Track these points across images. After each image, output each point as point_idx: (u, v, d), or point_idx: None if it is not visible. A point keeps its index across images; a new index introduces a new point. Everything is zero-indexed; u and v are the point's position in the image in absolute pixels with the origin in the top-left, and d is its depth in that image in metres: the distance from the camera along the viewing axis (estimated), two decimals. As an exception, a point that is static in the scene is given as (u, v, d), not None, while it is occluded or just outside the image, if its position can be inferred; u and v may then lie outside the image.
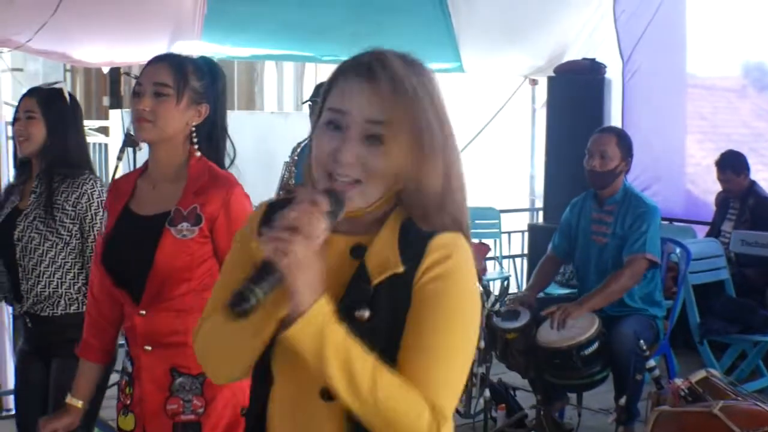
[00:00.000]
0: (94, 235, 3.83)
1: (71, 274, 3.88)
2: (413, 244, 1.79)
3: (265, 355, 1.85)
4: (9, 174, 7.06)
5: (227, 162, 3.05)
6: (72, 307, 3.89)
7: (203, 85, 2.93)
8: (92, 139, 11.90)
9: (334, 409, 1.77)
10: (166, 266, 2.82)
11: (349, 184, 1.78)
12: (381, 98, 1.78)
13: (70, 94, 4.02)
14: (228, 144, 3.06)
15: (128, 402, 2.94)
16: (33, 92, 3.97)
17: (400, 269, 1.77)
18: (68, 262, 3.87)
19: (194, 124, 2.92)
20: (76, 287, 3.90)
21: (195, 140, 2.93)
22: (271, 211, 1.91)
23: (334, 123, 1.80)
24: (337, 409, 1.75)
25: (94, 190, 3.83)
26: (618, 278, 5.21)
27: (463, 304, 1.79)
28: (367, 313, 1.75)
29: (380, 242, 1.82)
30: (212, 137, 2.98)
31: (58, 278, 3.86)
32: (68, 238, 3.84)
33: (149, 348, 2.88)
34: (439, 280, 1.77)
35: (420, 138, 1.79)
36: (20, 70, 12.43)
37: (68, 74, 13.88)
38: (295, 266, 1.64)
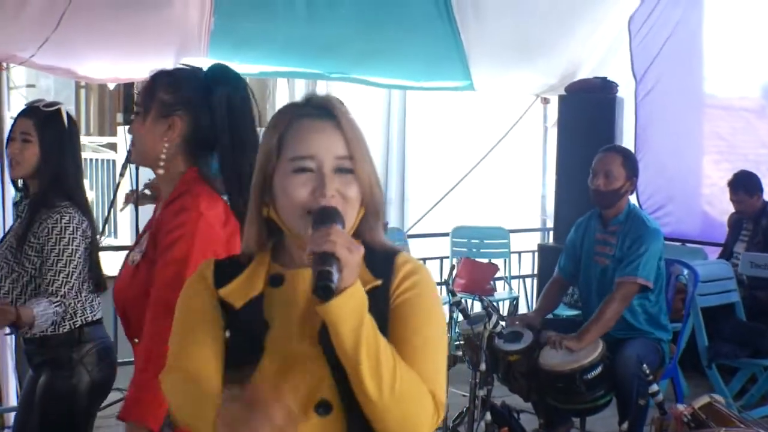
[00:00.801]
0: (47, 267, 3.66)
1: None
2: (379, 263, 2.00)
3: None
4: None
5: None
6: (49, 330, 3.74)
7: (176, 96, 2.79)
8: (101, 155, 11.94)
9: (331, 425, 1.89)
10: (120, 295, 2.76)
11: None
12: (343, 134, 1.99)
13: (69, 116, 3.88)
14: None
15: None
16: (30, 113, 3.83)
17: (378, 282, 1.96)
18: (37, 293, 3.73)
19: (169, 138, 2.79)
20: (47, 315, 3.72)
21: (190, 155, 2.81)
22: (219, 265, 2.09)
23: (302, 168, 1.97)
24: (334, 423, 1.89)
25: (57, 226, 3.67)
26: (609, 304, 5.13)
27: (436, 307, 2.01)
28: None
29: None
30: (206, 147, 2.81)
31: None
32: (33, 271, 3.72)
33: None
34: (416, 289, 1.98)
35: (371, 161, 2.03)
36: (32, 86, 12.50)
37: (82, 90, 13.92)
38: (348, 248, 1.81)
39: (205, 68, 2.91)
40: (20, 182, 3.95)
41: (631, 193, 5.45)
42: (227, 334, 2.01)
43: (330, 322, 1.80)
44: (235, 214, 2.76)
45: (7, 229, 3.96)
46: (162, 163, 2.81)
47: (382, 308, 1.94)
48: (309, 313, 1.93)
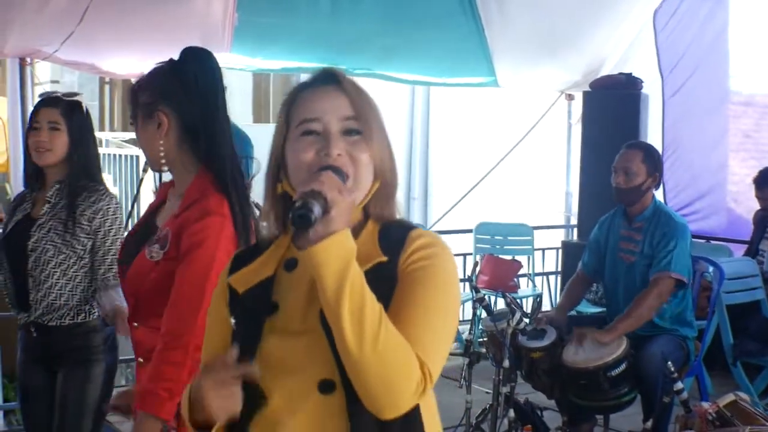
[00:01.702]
0: (104, 251, 3.86)
1: (82, 287, 3.90)
2: (392, 240, 1.93)
3: (247, 381, 1.88)
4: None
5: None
6: (79, 317, 3.91)
7: (150, 93, 2.80)
8: (125, 151, 11.98)
9: (334, 403, 1.83)
10: (134, 286, 2.80)
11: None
12: (348, 96, 1.96)
13: (85, 108, 4.04)
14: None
15: None
16: (54, 102, 3.94)
17: (384, 258, 1.89)
18: (79, 275, 3.89)
19: (161, 134, 2.80)
20: (85, 299, 3.91)
21: (185, 146, 2.83)
22: (237, 257, 2.09)
23: (309, 131, 1.93)
24: (337, 401, 1.83)
25: (110, 207, 3.87)
26: (644, 299, 5.09)
27: (447, 280, 1.90)
28: None
29: (360, 242, 1.88)
30: (199, 135, 2.81)
31: (69, 290, 3.88)
32: (82, 252, 3.86)
33: (141, 360, 2.85)
34: (426, 260, 1.89)
35: (385, 133, 2.00)
36: (57, 82, 12.57)
37: (107, 86, 13.99)
38: (338, 189, 1.76)
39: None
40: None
41: (657, 188, 5.40)
42: (233, 321, 2.00)
43: (314, 266, 1.73)
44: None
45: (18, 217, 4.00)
46: (163, 161, 2.83)
47: (389, 284, 1.87)
48: (315, 294, 1.84)
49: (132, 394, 3.00)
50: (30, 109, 6.35)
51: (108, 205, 3.86)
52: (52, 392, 3.92)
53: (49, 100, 3.97)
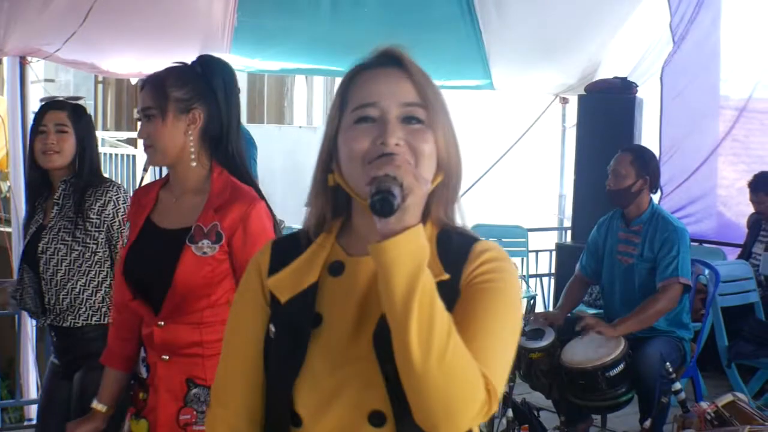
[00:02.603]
0: (123, 242, 3.82)
1: (95, 282, 3.89)
2: (454, 253, 1.73)
3: (283, 397, 1.74)
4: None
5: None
6: (94, 318, 3.89)
7: (188, 90, 2.88)
8: (121, 150, 11.98)
9: None
10: (185, 283, 2.81)
11: None
12: (412, 80, 1.74)
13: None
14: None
15: (141, 407, 2.93)
16: (60, 106, 3.99)
17: (446, 276, 1.68)
18: (92, 270, 3.89)
19: (193, 132, 2.89)
20: (99, 296, 3.90)
21: (205, 145, 2.90)
22: (276, 249, 1.88)
23: (364, 117, 1.72)
24: None
25: (119, 197, 3.88)
26: (654, 303, 5.14)
27: (513, 300, 1.71)
28: None
29: None
30: (222, 138, 2.94)
31: (81, 285, 3.87)
32: (94, 246, 3.87)
33: (167, 357, 2.86)
34: (491, 274, 1.70)
35: (451, 123, 1.78)
36: (52, 80, 12.56)
37: (100, 86, 13.99)
38: (415, 175, 1.57)
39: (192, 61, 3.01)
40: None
41: (654, 191, 5.46)
42: (272, 328, 1.82)
43: (382, 264, 1.53)
44: None
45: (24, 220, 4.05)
46: (193, 156, 2.90)
47: (449, 303, 1.62)
48: (368, 309, 1.71)
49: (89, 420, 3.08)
50: (29, 107, 6.43)
51: (117, 194, 3.87)
52: (69, 397, 3.90)
53: (54, 104, 4.01)
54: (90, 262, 3.87)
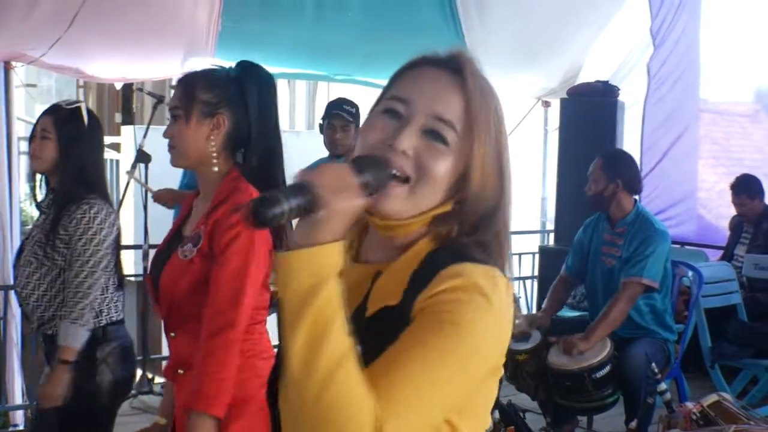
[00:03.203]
0: (72, 260, 3.71)
1: (61, 298, 3.76)
2: (428, 273, 1.52)
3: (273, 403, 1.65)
4: (21, 189, 7.09)
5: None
6: None
7: (216, 94, 2.85)
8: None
9: None
10: (168, 288, 2.81)
11: (396, 182, 1.55)
12: (458, 94, 1.58)
13: (91, 113, 3.96)
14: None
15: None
16: (51, 111, 3.92)
17: (394, 301, 1.52)
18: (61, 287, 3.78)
19: (215, 137, 2.85)
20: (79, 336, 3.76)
21: (232, 153, 2.87)
22: None
23: (393, 111, 1.58)
24: None
25: (85, 217, 3.71)
26: (615, 304, 5.19)
27: (472, 331, 1.46)
28: (359, 348, 1.43)
29: (394, 268, 1.59)
30: (249, 146, 2.87)
31: (58, 302, 3.76)
32: (62, 263, 3.75)
33: (182, 372, 2.85)
34: (448, 298, 1.47)
35: (499, 151, 1.62)
36: (34, 86, 12.52)
37: (81, 90, 13.95)
38: (332, 191, 1.39)
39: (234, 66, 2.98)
40: (40, 179, 4.00)
41: (635, 193, 5.51)
42: None
43: (281, 274, 1.40)
44: None
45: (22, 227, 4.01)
46: (215, 161, 2.86)
47: (394, 335, 1.47)
48: (355, 303, 1.57)
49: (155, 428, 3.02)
50: (14, 112, 6.43)
51: (84, 215, 3.70)
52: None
53: (48, 109, 3.95)
54: (61, 279, 3.75)
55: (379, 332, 1.49)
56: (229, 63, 7.02)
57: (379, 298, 1.56)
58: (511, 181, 1.65)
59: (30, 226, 4.00)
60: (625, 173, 5.45)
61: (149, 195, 6.30)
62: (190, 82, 2.87)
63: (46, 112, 3.94)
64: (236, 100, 2.86)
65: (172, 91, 4.90)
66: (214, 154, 2.85)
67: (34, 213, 4.14)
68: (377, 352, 1.45)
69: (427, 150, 1.55)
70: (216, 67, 2.98)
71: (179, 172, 6.24)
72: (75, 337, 3.66)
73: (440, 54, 1.63)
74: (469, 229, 1.59)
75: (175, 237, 2.95)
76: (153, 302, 2.94)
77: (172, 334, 2.84)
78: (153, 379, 6.87)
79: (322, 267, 1.39)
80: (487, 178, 1.59)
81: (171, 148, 2.87)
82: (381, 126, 1.58)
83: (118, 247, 3.87)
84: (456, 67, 1.60)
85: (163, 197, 6.10)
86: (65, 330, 3.66)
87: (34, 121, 4.01)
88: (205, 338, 2.69)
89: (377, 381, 1.41)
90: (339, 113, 5.89)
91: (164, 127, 2.94)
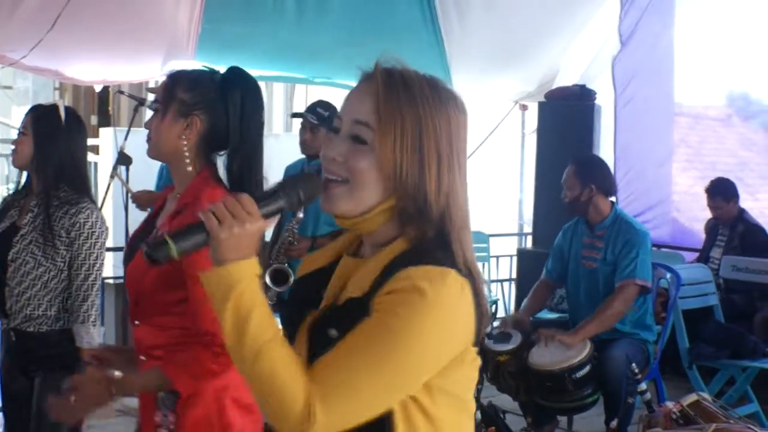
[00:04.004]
0: (78, 264, 3.81)
1: (60, 298, 3.86)
2: (389, 273, 1.73)
3: None
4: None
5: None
6: (57, 324, 3.86)
7: (195, 95, 2.83)
8: (81, 157, 11.87)
9: None
10: (134, 286, 2.84)
11: (336, 183, 1.80)
12: (370, 95, 1.78)
13: (72, 113, 4.00)
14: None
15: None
16: (32, 110, 4.01)
17: (358, 294, 1.74)
18: (58, 287, 3.85)
19: (187, 136, 2.85)
20: (64, 308, 3.88)
21: (207, 154, 2.88)
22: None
23: (335, 129, 1.83)
24: None
25: (87, 221, 3.80)
26: (610, 305, 5.24)
27: (410, 332, 1.68)
28: (334, 332, 1.73)
29: (368, 265, 1.80)
30: (233, 149, 2.86)
31: (47, 301, 3.84)
32: (62, 264, 3.83)
33: (144, 358, 2.88)
34: (397, 300, 1.69)
35: (421, 146, 1.77)
36: (10, 87, 12.47)
37: (57, 92, 13.88)
38: (225, 223, 1.70)
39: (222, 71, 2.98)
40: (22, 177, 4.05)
41: (610, 195, 5.57)
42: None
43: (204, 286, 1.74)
44: None
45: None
46: (188, 160, 2.87)
47: (353, 321, 1.72)
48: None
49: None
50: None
51: (87, 219, 3.79)
52: (32, 397, 3.86)
53: (30, 108, 4.04)
54: (56, 279, 3.83)
55: (344, 320, 1.73)
56: (210, 65, 7.02)
57: (350, 290, 1.77)
58: (442, 174, 1.79)
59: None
60: (598, 177, 5.50)
61: (130, 197, 6.31)
62: (173, 80, 2.89)
63: (28, 111, 4.01)
64: (216, 103, 2.85)
65: (150, 95, 4.92)
66: (187, 153, 2.85)
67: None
68: (343, 337, 1.71)
69: (351, 152, 1.79)
70: (205, 69, 2.98)
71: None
72: (90, 337, 3.82)
73: (368, 70, 1.84)
74: (419, 228, 1.78)
75: (147, 228, 2.98)
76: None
77: (137, 323, 2.87)
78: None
79: (222, 282, 1.70)
80: (404, 169, 1.76)
81: (148, 139, 2.89)
82: (326, 143, 1.83)
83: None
84: (371, 74, 1.82)
85: (141, 199, 6.12)
86: (79, 333, 3.83)
87: (11, 122, 4.05)
88: (201, 339, 2.72)
89: (319, 367, 1.69)
90: (308, 115, 5.95)
91: (144, 130, 2.95)
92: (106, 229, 3.90)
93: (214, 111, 2.85)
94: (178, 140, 2.85)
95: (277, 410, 1.68)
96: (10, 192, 4.07)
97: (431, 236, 1.77)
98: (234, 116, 2.85)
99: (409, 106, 1.77)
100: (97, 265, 3.84)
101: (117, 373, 2.83)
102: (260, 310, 1.69)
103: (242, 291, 1.69)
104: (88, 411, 2.96)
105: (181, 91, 2.84)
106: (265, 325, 1.69)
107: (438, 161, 1.79)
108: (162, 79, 3.05)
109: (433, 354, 1.73)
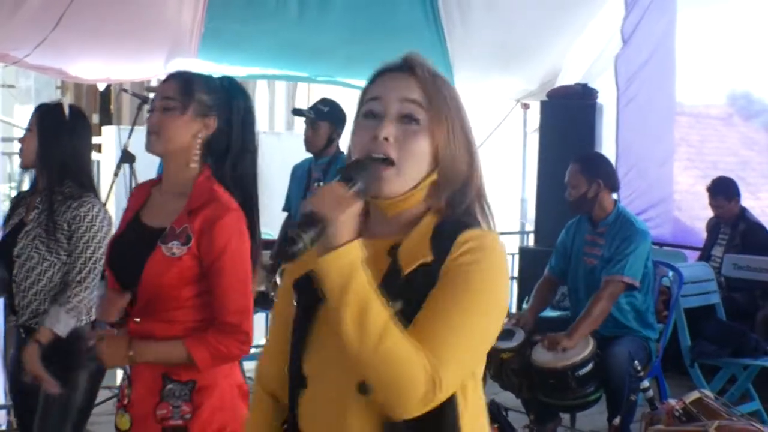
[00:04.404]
0: (75, 256, 3.82)
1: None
2: (444, 239, 1.84)
3: (295, 360, 1.94)
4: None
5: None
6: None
7: (213, 98, 2.97)
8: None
9: (370, 404, 1.80)
10: (152, 283, 2.87)
11: (386, 165, 1.85)
12: (417, 81, 1.88)
13: (77, 111, 4.06)
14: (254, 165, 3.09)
15: (126, 402, 2.98)
16: (37, 108, 4.04)
17: (429, 258, 1.83)
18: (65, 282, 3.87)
19: (202, 136, 2.95)
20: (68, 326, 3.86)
21: (205, 156, 2.96)
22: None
23: (371, 112, 1.89)
24: (374, 404, 1.79)
25: (88, 215, 3.81)
26: (596, 302, 5.25)
27: (485, 287, 1.81)
28: (399, 305, 1.77)
29: (412, 238, 1.88)
30: (228, 155, 3.00)
31: (50, 294, 3.86)
32: (66, 259, 3.84)
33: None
34: (466, 260, 1.80)
35: (463, 126, 1.92)
36: (12, 86, 12.49)
37: (59, 91, 13.90)
38: (332, 209, 1.72)
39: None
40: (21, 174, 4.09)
41: (613, 191, 5.59)
42: (294, 302, 1.99)
43: (318, 273, 1.75)
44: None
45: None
46: (195, 159, 2.97)
47: (426, 287, 1.81)
48: (375, 276, 1.82)
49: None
50: (-4, 112, 6.43)
51: (87, 212, 3.80)
52: (39, 392, 3.89)
53: (36, 107, 4.07)
54: (61, 273, 3.85)
55: (418, 286, 1.81)
56: (212, 64, 7.06)
57: (412, 260, 1.84)
58: (478, 155, 1.97)
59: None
60: (603, 173, 5.53)
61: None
62: (188, 80, 2.98)
63: (34, 110, 4.05)
64: (226, 110, 3.00)
65: (151, 94, 4.94)
66: (197, 152, 2.97)
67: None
68: (419, 302, 1.79)
69: (404, 133, 1.86)
70: (207, 75, 3.10)
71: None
72: (63, 326, 3.77)
73: (395, 61, 1.94)
74: (455, 201, 1.91)
75: (135, 224, 3.00)
76: (111, 286, 2.99)
77: (137, 320, 2.91)
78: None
79: (346, 262, 1.72)
80: (455, 150, 1.90)
81: (153, 134, 2.94)
82: (365, 127, 1.88)
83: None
84: (408, 66, 1.91)
85: None
86: (55, 314, 3.78)
87: (13, 121, 4.08)
88: (231, 330, 2.86)
89: (423, 336, 1.74)
90: (308, 112, 6.00)
91: (145, 128, 3.01)
92: (109, 224, 3.89)
93: (223, 115, 2.99)
94: (192, 139, 2.95)
95: (406, 385, 1.72)
96: (14, 191, 4.08)
97: (464, 208, 1.91)
98: (237, 122, 3.01)
99: (446, 89, 1.92)
100: (94, 259, 3.81)
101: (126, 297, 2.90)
102: (375, 290, 1.74)
103: (361, 271, 1.73)
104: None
105: (200, 92, 2.96)
106: (383, 304, 1.73)
107: (472, 140, 1.96)
108: (162, 78, 3.12)
109: (506, 304, 1.89)
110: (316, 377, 1.90)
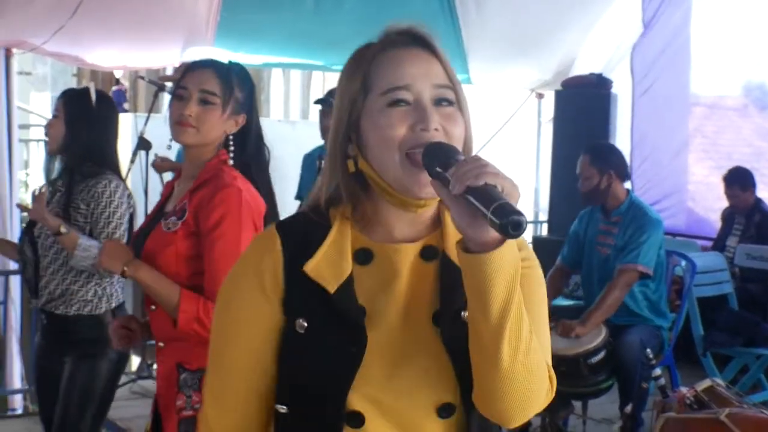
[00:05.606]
0: (96, 233, 3.81)
1: (85, 274, 3.87)
2: None
3: (337, 400, 1.63)
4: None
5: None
6: (86, 309, 3.89)
7: (245, 96, 2.99)
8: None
9: (452, 427, 1.66)
10: (151, 259, 2.87)
11: None
12: (440, 61, 1.68)
13: (104, 96, 4.11)
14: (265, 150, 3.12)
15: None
16: (64, 93, 4.09)
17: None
18: None
19: (230, 132, 2.97)
20: (90, 287, 3.90)
21: (231, 148, 2.98)
22: (288, 232, 1.72)
23: (398, 100, 1.64)
24: (456, 424, 1.65)
25: (105, 191, 3.82)
26: (611, 291, 5.27)
27: (544, 284, 1.74)
28: (465, 313, 1.59)
29: (450, 236, 1.67)
30: (246, 145, 3.02)
31: (72, 277, 3.86)
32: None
33: (162, 345, 2.93)
34: (529, 261, 1.68)
35: (467, 109, 1.70)
36: (29, 73, 12.53)
37: (74, 78, 13.97)
38: (513, 184, 1.48)
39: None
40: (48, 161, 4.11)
41: (625, 180, 5.61)
42: (304, 324, 1.66)
43: (483, 274, 1.46)
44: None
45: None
46: (209, 149, 2.99)
47: None
48: (413, 301, 1.65)
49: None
50: (14, 98, 6.47)
51: (105, 189, 3.81)
52: (60, 378, 3.92)
53: (62, 92, 4.13)
54: None
55: None
56: (228, 52, 7.08)
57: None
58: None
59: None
60: (614, 162, 5.54)
61: (151, 163, 6.43)
62: (229, 75, 2.97)
63: (60, 95, 4.10)
64: (251, 104, 3.05)
65: (168, 84, 4.95)
66: (220, 143, 2.98)
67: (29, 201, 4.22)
68: None
69: (446, 118, 1.65)
70: (234, 65, 3.09)
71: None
72: (84, 250, 3.73)
73: (393, 35, 1.73)
74: None
75: (158, 213, 3.02)
76: None
77: (153, 307, 2.91)
78: (152, 364, 6.93)
79: (515, 258, 1.49)
80: (470, 130, 1.70)
81: (190, 126, 2.91)
82: (399, 118, 1.63)
83: (131, 228, 3.94)
84: (420, 41, 1.70)
85: (161, 166, 6.28)
86: (87, 245, 3.74)
87: (30, 108, 4.11)
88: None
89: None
90: (325, 100, 6.04)
91: (161, 115, 3.04)
92: (129, 201, 3.91)
93: (250, 116, 3.03)
94: (223, 134, 2.97)
95: (540, 390, 1.60)
96: (30, 177, 4.11)
97: None
98: (255, 113, 3.07)
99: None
100: (117, 235, 3.81)
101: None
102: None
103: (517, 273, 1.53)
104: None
105: (238, 90, 2.97)
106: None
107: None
108: (176, 65, 3.16)
109: None
110: (377, 413, 1.64)
